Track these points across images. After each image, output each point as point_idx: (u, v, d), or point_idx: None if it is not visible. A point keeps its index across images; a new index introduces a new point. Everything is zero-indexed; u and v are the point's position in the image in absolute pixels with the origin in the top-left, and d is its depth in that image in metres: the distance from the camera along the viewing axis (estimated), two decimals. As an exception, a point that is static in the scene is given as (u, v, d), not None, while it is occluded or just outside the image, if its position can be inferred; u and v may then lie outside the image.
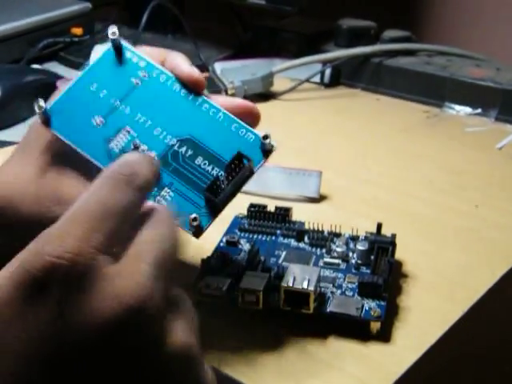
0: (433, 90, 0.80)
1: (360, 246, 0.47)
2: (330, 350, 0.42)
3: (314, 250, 0.49)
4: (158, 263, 0.32)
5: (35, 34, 0.89)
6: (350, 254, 0.48)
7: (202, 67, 0.85)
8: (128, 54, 0.45)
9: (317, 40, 0.91)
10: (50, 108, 0.43)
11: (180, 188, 0.42)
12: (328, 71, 0.85)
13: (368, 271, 0.46)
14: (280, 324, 0.43)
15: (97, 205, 0.32)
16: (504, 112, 0.76)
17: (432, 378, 0.45)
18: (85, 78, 0.44)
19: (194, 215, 0.40)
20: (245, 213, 0.52)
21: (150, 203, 0.36)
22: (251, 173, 0.42)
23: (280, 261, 0.47)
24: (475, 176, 0.64)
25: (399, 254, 0.49)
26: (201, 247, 0.50)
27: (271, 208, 0.52)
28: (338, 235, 0.50)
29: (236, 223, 0.51)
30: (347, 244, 0.49)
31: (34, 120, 0.44)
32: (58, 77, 0.78)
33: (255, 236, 0.50)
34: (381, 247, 0.47)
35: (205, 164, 0.42)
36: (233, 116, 0.43)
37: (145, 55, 0.45)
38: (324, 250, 0.49)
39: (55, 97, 0.44)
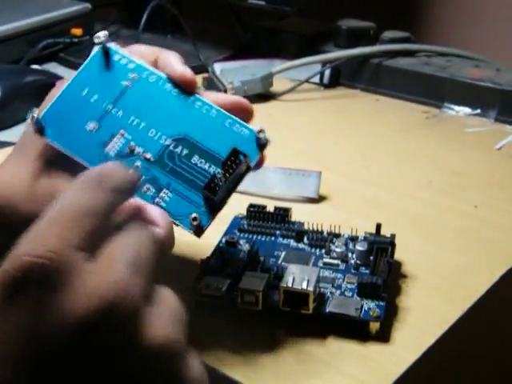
0: (432, 91, 0.80)
1: (359, 247, 0.47)
2: (330, 351, 0.42)
3: (313, 250, 0.49)
4: (133, 263, 0.32)
5: (35, 35, 0.89)
6: (350, 255, 0.48)
7: (202, 68, 0.85)
8: (116, 57, 0.45)
9: (316, 40, 0.91)
10: (41, 117, 0.43)
11: (178, 188, 0.42)
12: (327, 72, 0.85)
13: (367, 271, 0.46)
14: (279, 324, 0.43)
15: (70, 205, 0.33)
16: (503, 112, 0.76)
17: (431, 378, 0.45)
18: (74, 84, 0.44)
19: (194, 215, 0.40)
20: (244, 213, 0.52)
21: (138, 202, 0.38)
22: (248, 168, 0.42)
23: (279, 261, 0.47)
24: (474, 176, 0.64)
25: (398, 255, 0.49)
26: (200, 247, 0.50)
27: (270, 208, 0.52)
28: (338, 235, 0.50)
29: (235, 223, 0.51)
30: (346, 244, 0.49)
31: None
32: (58, 77, 0.78)
33: (254, 236, 0.50)
34: (380, 247, 0.47)
35: (201, 162, 0.42)
36: (226, 112, 0.43)
37: (133, 57, 0.45)
38: (323, 251, 0.49)
39: (46, 103, 0.44)
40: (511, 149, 0.71)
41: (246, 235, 0.50)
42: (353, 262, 0.47)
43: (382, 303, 0.43)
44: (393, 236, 0.48)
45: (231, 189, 0.41)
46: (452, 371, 0.48)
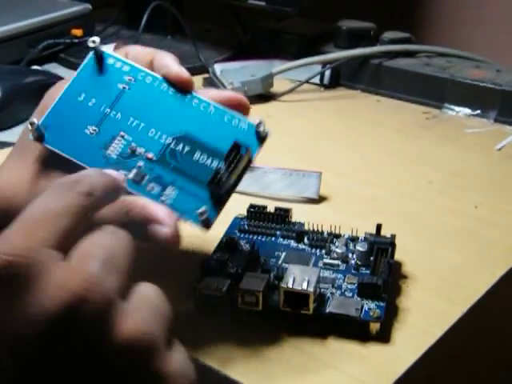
0: (432, 92, 0.80)
1: (359, 247, 0.47)
2: (330, 351, 0.42)
3: (313, 250, 0.49)
4: (106, 260, 0.33)
5: (35, 36, 0.89)
6: (350, 255, 0.48)
7: (202, 68, 0.85)
8: (110, 61, 0.45)
9: (316, 41, 0.91)
10: (40, 124, 0.43)
11: (182, 185, 0.42)
12: (328, 72, 0.85)
13: (367, 272, 0.46)
14: (279, 325, 0.43)
15: (39, 207, 0.34)
16: (503, 113, 0.76)
17: (431, 378, 0.45)
18: (71, 90, 0.44)
19: (201, 209, 0.41)
20: (244, 214, 0.52)
21: (144, 201, 0.39)
22: (250, 161, 0.42)
23: (280, 262, 0.47)
24: (475, 177, 0.64)
25: (398, 255, 0.49)
26: (200, 248, 0.50)
27: (271, 209, 0.52)
28: (338, 236, 0.50)
29: (236, 224, 0.51)
30: (347, 245, 0.49)
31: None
32: (59, 78, 0.78)
33: (255, 237, 0.50)
34: (380, 248, 0.47)
35: (203, 158, 0.42)
36: (224, 107, 0.44)
37: (127, 59, 0.45)
38: (324, 251, 0.49)
39: (41, 108, 0.44)
40: (511, 149, 0.71)
41: (247, 236, 0.50)
42: (353, 262, 0.47)
43: (382, 304, 0.43)
44: (393, 236, 0.48)
45: (235, 182, 0.42)
46: (452, 371, 0.48)
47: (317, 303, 0.43)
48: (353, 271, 0.47)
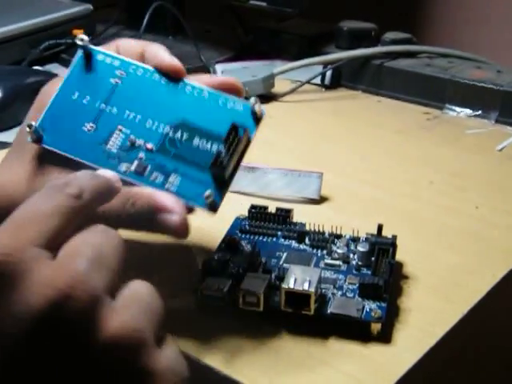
0: (433, 92, 0.80)
1: (361, 248, 0.47)
2: (331, 351, 0.42)
3: (314, 251, 0.49)
4: (94, 259, 0.33)
5: (37, 36, 0.89)
6: (351, 256, 0.48)
7: (203, 69, 0.85)
8: (100, 57, 0.45)
9: (317, 42, 0.91)
10: (38, 126, 0.43)
11: (185, 171, 0.42)
12: (329, 73, 0.85)
13: (369, 272, 0.46)
14: (281, 325, 0.43)
15: (29, 208, 0.34)
16: (504, 114, 0.76)
17: (432, 378, 0.45)
18: (64, 90, 0.45)
19: (207, 192, 0.41)
20: (246, 214, 0.52)
21: (150, 191, 0.40)
22: (249, 141, 0.43)
23: (281, 262, 0.47)
24: (475, 177, 0.64)
25: (400, 256, 0.49)
26: (201, 248, 0.50)
27: (272, 209, 0.52)
28: (339, 236, 0.50)
29: (237, 224, 0.51)
30: (348, 245, 0.49)
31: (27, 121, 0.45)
32: (60, 78, 0.78)
33: (256, 237, 0.50)
34: (381, 248, 0.47)
35: (203, 143, 0.43)
36: (217, 92, 0.44)
37: (116, 54, 0.46)
38: (325, 252, 0.49)
39: (34, 110, 0.45)
40: (512, 150, 0.71)
41: (248, 236, 0.50)
42: (354, 262, 0.47)
43: (383, 304, 0.43)
44: (394, 237, 0.48)
45: (237, 163, 0.42)
46: (453, 372, 0.48)
47: (318, 304, 0.43)
48: (354, 272, 0.47)
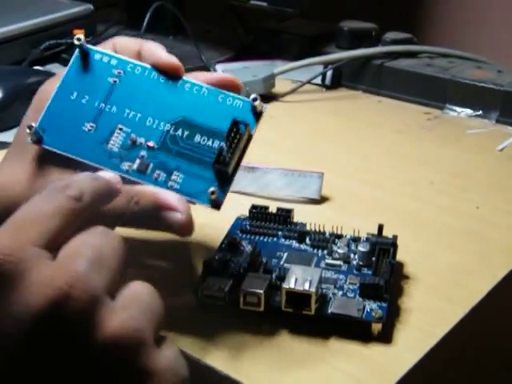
0: (434, 92, 0.81)
1: (361, 248, 0.47)
2: (332, 351, 0.42)
3: (315, 251, 0.49)
4: (94, 259, 0.33)
5: (37, 36, 0.89)
6: (352, 256, 0.48)
7: (204, 69, 0.85)
8: (97, 56, 0.45)
9: (318, 42, 0.91)
10: (38, 127, 0.43)
11: (188, 168, 0.43)
12: (329, 73, 0.85)
13: (369, 272, 0.46)
14: (281, 325, 0.43)
15: (29, 209, 0.34)
16: (505, 114, 0.76)
17: (433, 378, 0.45)
18: (62, 90, 0.45)
19: (211, 189, 0.41)
20: (246, 214, 0.52)
21: (154, 189, 0.41)
22: (250, 136, 0.43)
23: (281, 262, 0.47)
24: (476, 178, 0.64)
25: (400, 256, 0.49)
26: (202, 249, 0.50)
27: (273, 209, 0.52)
28: (340, 236, 0.50)
29: (238, 224, 0.51)
30: (349, 245, 0.49)
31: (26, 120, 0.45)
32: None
33: (257, 237, 0.50)
34: (382, 249, 0.47)
35: (204, 140, 0.43)
36: (216, 88, 0.44)
37: (114, 53, 0.45)
38: (325, 252, 0.49)
39: (34, 106, 0.45)
40: (513, 150, 0.71)
41: (249, 236, 0.50)
42: (355, 262, 0.47)
43: (384, 304, 0.43)
44: (395, 237, 0.48)
45: (238, 159, 0.42)
46: (453, 372, 0.48)
47: (319, 304, 0.43)
48: (355, 272, 0.47)
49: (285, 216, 0.51)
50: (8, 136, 0.71)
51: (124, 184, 0.41)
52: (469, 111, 0.78)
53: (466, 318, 0.45)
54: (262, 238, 0.50)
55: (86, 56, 0.45)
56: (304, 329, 0.43)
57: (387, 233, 0.49)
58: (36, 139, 0.43)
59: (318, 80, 0.85)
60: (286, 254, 0.48)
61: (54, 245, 0.33)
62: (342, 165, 0.66)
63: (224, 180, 0.42)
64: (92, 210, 0.37)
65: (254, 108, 0.43)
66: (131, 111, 0.44)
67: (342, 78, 0.86)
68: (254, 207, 0.52)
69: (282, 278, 0.43)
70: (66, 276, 0.31)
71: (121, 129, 0.44)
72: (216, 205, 0.42)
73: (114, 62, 0.45)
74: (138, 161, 0.43)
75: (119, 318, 0.32)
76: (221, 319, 0.44)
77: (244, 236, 0.50)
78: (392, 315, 0.44)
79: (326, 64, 0.85)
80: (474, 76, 0.80)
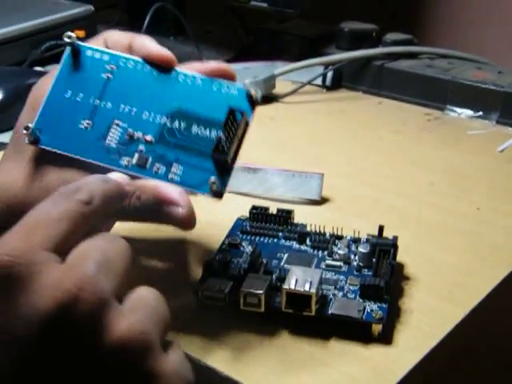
0: (434, 93, 0.81)
1: (362, 249, 0.47)
2: (332, 352, 0.42)
3: (315, 252, 0.49)
4: (101, 263, 0.33)
5: (38, 37, 0.89)
6: (352, 257, 0.48)
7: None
8: (89, 53, 0.45)
9: (319, 43, 0.91)
10: (34, 127, 0.43)
11: (187, 160, 0.43)
12: (330, 74, 0.85)
13: (370, 273, 0.46)
14: (282, 326, 0.43)
15: (38, 213, 0.34)
16: (505, 115, 0.76)
17: (433, 379, 0.45)
18: (56, 89, 0.45)
19: (212, 179, 0.41)
20: (247, 215, 0.52)
21: (155, 183, 0.40)
22: (247, 124, 0.43)
23: (282, 263, 0.47)
24: (476, 178, 0.64)
25: (401, 257, 0.49)
26: (203, 249, 0.50)
27: (273, 210, 0.52)
28: (340, 237, 0.50)
29: (238, 225, 0.51)
30: (349, 246, 0.49)
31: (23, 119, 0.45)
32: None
33: (257, 238, 0.50)
34: (382, 250, 0.47)
35: (201, 130, 0.43)
36: (210, 78, 0.44)
37: (105, 48, 0.45)
38: (326, 253, 0.49)
39: (29, 106, 0.45)
40: (513, 151, 0.71)
41: (249, 237, 0.50)
42: (355, 263, 0.47)
43: (384, 305, 0.43)
44: (395, 238, 0.48)
45: (237, 148, 0.42)
46: (454, 373, 0.48)
47: (319, 304, 0.43)
48: (355, 273, 0.47)
49: (285, 217, 0.51)
50: (8, 137, 0.71)
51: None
52: (469, 112, 0.79)
53: (467, 319, 0.45)
54: (262, 239, 0.50)
55: (77, 53, 0.45)
56: (304, 330, 0.43)
57: (387, 234, 0.49)
58: (33, 140, 0.43)
59: (319, 81, 0.85)
60: (286, 255, 0.48)
61: (62, 248, 0.33)
62: (342, 166, 0.66)
63: (224, 169, 0.42)
64: (101, 212, 0.37)
65: (249, 96, 0.43)
66: (127, 106, 0.44)
67: (342, 79, 0.86)
68: (254, 208, 0.52)
69: (283, 278, 0.43)
70: (74, 278, 0.31)
71: (117, 124, 0.44)
72: (217, 194, 0.42)
73: (106, 57, 0.45)
74: (136, 155, 0.43)
75: (127, 321, 0.32)
76: (221, 320, 0.44)
77: (244, 237, 0.50)
78: (392, 316, 0.44)
79: (326, 65, 0.85)
80: (474, 77, 0.80)
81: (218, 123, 0.42)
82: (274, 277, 0.45)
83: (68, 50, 0.45)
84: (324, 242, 0.49)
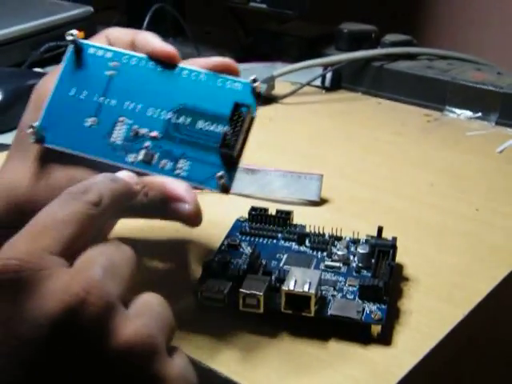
0: (433, 94, 0.81)
1: (361, 250, 0.47)
2: (331, 353, 0.42)
3: (314, 253, 0.49)
4: (108, 268, 0.33)
5: (37, 38, 0.89)
6: (351, 258, 0.48)
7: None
8: (91, 50, 0.45)
9: (318, 44, 0.91)
10: (39, 126, 0.43)
11: (193, 155, 0.43)
12: (329, 75, 0.85)
13: (369, 274, 0.46)
14: (281, 327, 0.43)
15: (46, 215, 0.34)
16: (504, 116, 0.76)
17: (433, 380, 0.45)
18: (59, 87, 0.45)
19: (220, 173, 0.41)
20: (246, 216, 0.52)
21: (162, 179, 0.40)
22: (252, 118, 0.43)
23: (281, 264, 0.47)
24: (476, 179, 0.64)
25: (400, 258, 0.49)
26: (202, 250, 0.50)
27: (272, 211, 0.52)
28: (339, 238, 0.50)
29: (237, 226, 0.51)
30: (348, 247, 0.49)
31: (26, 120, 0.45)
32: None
33: (256, 239, 0.50)
34: (381, 250, 0.47)
35: (207, 125, 0.43)
36: (214, 73, 0.44)
37: (108, 45, 0.45)
38: (325, 254, 0.49)
39: (32, 105, 0.45)
40: (512, 152, 0.71)
41: (248, 238, 0.50)
42: (354, 264, 0.48)
43: (383, 306, 0.43)
44: (394, 239, 0.48)
45: (243, 141, 0.42)
46: (453, 374, 0.48)
47: (318, 305, 0.43)
48: (354, 274, 0.47)
49: (284, 218, 0.51)
50: (8, 138, 0.71)
51: None
52: (468, 113, 0.79)
53: (466, 320, 0.45)
54: (261, 240, 0.50)
55: (80, 51, 0.45)
56: (303, 331, 0.43)
57: (387, 235, 0.49)
58: (38, 138, 0.43)
59: (318, 82, 0.85)
60: (285, 256, 0.48)
61: (70, 251, 0.33)
62: (341, 167, 0.66)
63: (231, 164, 0.42)
64: (109, 213, 0.37)
65: (253, 89, 0.43)
66: (131, 103, 0.44)
67: (341, 80, 0.87)
68: (253, 209, 0.52)
69: (282, 279, 0.43)
70: (82, 282, 0.32)
71: (122, 121, 0.43)
72: (225, 189, 0.42)
73: (109, 54, 0.45)
74: (142, 152, 0.43)
75: (133, 326, 0.32)
76: (220, 321, 0.44)
77: (243, 238, 0.50)
78: (391, 317, 0.44)
79: (325, 66, 0.85)
80: (473, 78, 0.80)
81: (224, 118, 0.43)
82: (273, 278, 0.45)
83: (71, 48, 0.45)
84: (323, 242, 0.49)
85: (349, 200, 0.60)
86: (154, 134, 0.43)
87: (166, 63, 0.45)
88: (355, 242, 0.50)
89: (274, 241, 0.50)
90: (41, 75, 0.81)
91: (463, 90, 0.79)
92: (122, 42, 0.45)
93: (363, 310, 0.43)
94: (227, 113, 0.42)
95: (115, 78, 0.44)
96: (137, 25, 0.89)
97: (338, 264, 0.47)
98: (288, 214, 0.52)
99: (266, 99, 0.80)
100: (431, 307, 0.46)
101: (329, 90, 0.86)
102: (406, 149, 0.71)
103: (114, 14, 1.01)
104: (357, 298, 0.44)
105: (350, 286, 0.45)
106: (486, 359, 0.53)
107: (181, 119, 0.43)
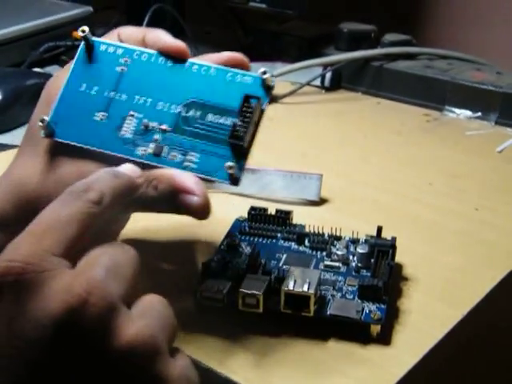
0: (433, 94, 0.81)
1: (360, 249, 0.47)
2: (331, 353, 0.42)
3: (314, 253, 0.49)
4: (111, 269, 0.33)
5: (37, 38, 0.89)
6: (351, 257, 0.48)
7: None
8: (102, 47, 0.46)
9: (317, 44, 0.91)
10: (50, 120, 0.43)
11: (203, 147, 0.43)
12: (328, 75, 0.85)
13: (368, 274, 0.46)
14: (280, 327, 0.43)
15: (48, 216, 0.34)
16: (504, 115, 0.76)
17: (432, 380, 0.45)
18: (70, 83, 0.45)
19: (229, 163, 0.41)
20: (245, 216, 0.52)
21: (171, 172, 0.40)
22: (262, 111, 0.43)
23: (280, 264, 0.47)
24: (475, 179, 0.64)
25: (399, 257, 0.49)
26: (201, 250, 0.50)
27: (272, 211, 0.52)
28: (339, 238, 0.50)
29: (237, 226, 0.51)
30: (347, 247, 0.49)
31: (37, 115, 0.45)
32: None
33: (256, 239, 0.50)
34: (381, 250, 0.47)
35: (217, 118, 0.43)
36: (224, 67, 0.44)
37: (119, 42, 0.46)
38: (324, 253, 0.49)
39: (43, 100, 0.45)
40: (512, 152, 0.71)
41: (248, 238, 0.50)
42: (354, 264, 0.47)
43: (383, 306, 0.43)
44: (394, 239, 0.48)
45: (253, 133, 0.42)
46: (452, 374, 0.48)
47: (317, 305, 0.43)
48: (353, 273, 0.47)
49: (284, 218, 0.51)
50: (8, 138, 0.71)
51: (142, 169, 0.41)
52: (468, 113, 0.79)
53: (465, 320, 0.45)
54: (260, 240, 0.50)
55: (91, 48, 0.45)
56: (303, 330, 0.43)
57: (386, 234, 0.49)
58: (48, 132, 0.43)
59: (318, 82, 0.85)
60: (284, 256, 0.48)
61: (72, 250, 0.34)
62: (341, 166, 0.66)
63: (240, 155, 0.42)
64: (112, 209, 0.37)
65: (264, 82, 0.44)
66: (141, 97, 0.44)
67: (341, 80, 0.87)
68: (253, 209, 0.52)
69: (281, 279, 0.43)
70: (84, 283, 0.32)
71: (132, 115, 0.44)
72: (234, 180, 0.42)
73: (120, 51, 0.45)
74: (152, 145, 0.43)
75: (135, 326, 0.32)
76: (219, 321, 0.44)
77: (243, 238, 0.50)
78: (391, 317, 0.44)
79: (325, 66, 0.85)
80: (473, 78, 0.80)
81: (234, 111, 0.43)
82: (272, 277, 0.45)
83: (82, 44, 0.46)
84: (322, 242, 0.49)
85: (348, 200, 0.60)
86: (164, 127, 0.43)
87: (176, 58, 0.45)
88: (354, 241, 0.50)
89: (274, 240, 0.50)
90: (40, 75, 0.82)
91: (463, 90, 0.79)
92: (133, 39, 0.46)
93: (362, 309, 0.43)
94: (237, 106, 0.42)
95: (126, 73, 0.45)
96: (136, 25, 0.89)
97: (337, 264, 0.47)
98: (287, 214, 0.52)
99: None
100: (430, 307, 0.46)
101: (328, 89, 0.86)
102: (405, 148, 0.71)
103: (113, 13, 1.01)
104: (356, 298, 0.44)
105: (349, 285, 0.45)
106: (486, 358, 0.53)
107: (190, 112, 0.43)
